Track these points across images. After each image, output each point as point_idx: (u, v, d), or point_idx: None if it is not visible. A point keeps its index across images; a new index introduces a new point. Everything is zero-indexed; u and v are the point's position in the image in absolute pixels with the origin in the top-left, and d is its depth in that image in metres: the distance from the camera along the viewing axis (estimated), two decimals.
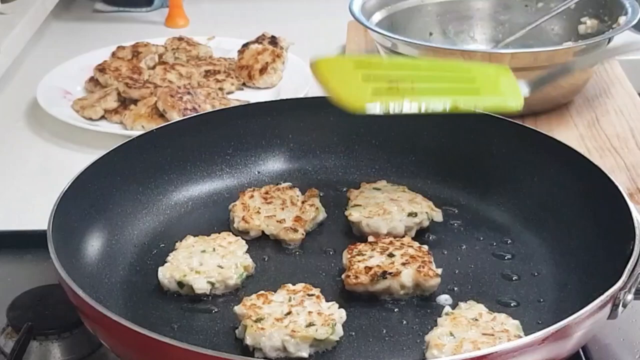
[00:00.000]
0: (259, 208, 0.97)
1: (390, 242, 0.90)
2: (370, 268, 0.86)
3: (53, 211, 0.85)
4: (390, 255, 0.88)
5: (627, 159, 1.17)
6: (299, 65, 1.47)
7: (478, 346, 0.75)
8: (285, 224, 0.95)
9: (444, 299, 0.86)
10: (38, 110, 1.35)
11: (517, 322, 0.80)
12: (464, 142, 1.03)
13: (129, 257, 0.92)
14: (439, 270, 0.87)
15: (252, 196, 0.99)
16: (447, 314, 0.81)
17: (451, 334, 0.77)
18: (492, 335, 0.77)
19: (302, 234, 0.95)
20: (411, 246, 0.89)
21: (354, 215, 0.95)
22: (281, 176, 1.05)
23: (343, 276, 0.87)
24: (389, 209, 0.95)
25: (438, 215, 0.96)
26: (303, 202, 0.98)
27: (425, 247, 0.90)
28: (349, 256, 0.89)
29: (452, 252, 0.93)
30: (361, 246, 0.90)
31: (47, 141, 1.31)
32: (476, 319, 0.80)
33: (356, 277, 0.85)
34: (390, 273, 0.85)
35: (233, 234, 0.94)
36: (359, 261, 0.87)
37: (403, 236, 0.92)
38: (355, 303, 0.85)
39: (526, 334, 0.74)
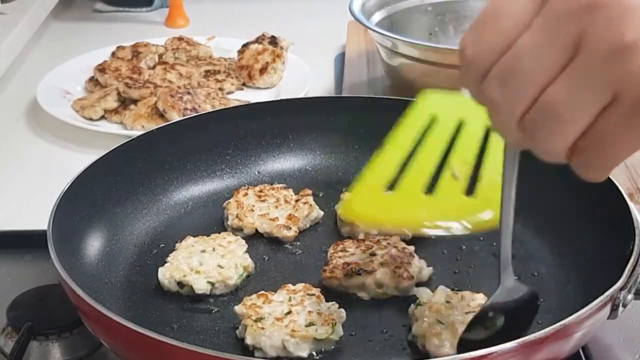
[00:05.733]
0: (253, 206, 0.97)
1: (377, 241, 0.91)
2: (348, 264, 0.87)
3: (53, 211, 0.85)
4: (372, 254, 0.88)
5: (627, 159, 1.16)
6: (299, 65, 1.47)
7: None
8: (278, 222, 0.95)
9: None
10: (38, 110, 1.35)
11: (481, 294, 0.82)
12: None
13: (129, 257, 0.92)
14: (430, 270, 0.88)
15: (246, 194, 0.99)
16: (420, 304, 0.81)
17: (439, 322, 0.78)
18: (473, 312, 0.78)
19: (296, 232, 0.95)
20: (396, 247, 0.90)
21: None
22: (281, 176, 1.05)
23: (320, 270, 0.87)
24: None
25: None
26: (297, 201, 0.98)
27: (412, 248, 0.90)
28: (332, 251, 0.90)
29: (452, 252, 0.93)
30: (347, 243, 0.91)
31: (47, 141, 1.31)
32: (448, 302, 0.81)
33: (332, 272, 0.86)
34: (365, 270, 0.86)
35: (226, 231, 0.95)
36: (339, 257, 0.88)
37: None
38: (355, 303, 0.85)
39: (526, 334, 0.74)
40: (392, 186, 0.76)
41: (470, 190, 0.75)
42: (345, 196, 0.74)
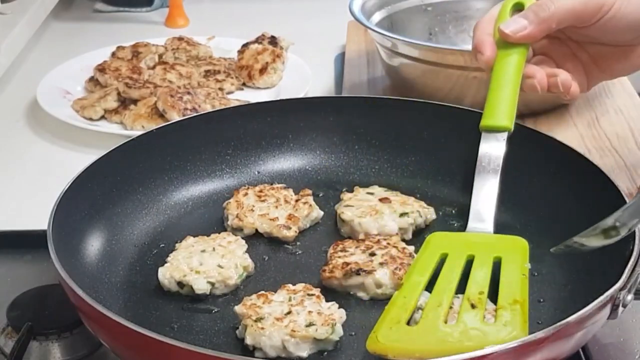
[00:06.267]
0: (253, 206, 0.97)
1: (377, 241, 0.91)
2: (348, 264, 0.86)
3: (53, 211, 0.85)
4: (372, 254, 0.88)
5: (627, 159, 1.17)
6: (299, 65, 1.47)
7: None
8: (278, 222, 0.95)
9: None
10: (38, 110, 1.35)
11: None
12: (463, 142, 1.03)
13: (129, 257, 0.92)
14: None
15: (246, 194, 0.99)
16: (420, 308, 0.81)
17: None
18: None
19: (296, 232, 0.95)
20: (396, 247, 0.90)
21: (346, 213, 0.95)
22: (281, 176, 1.05)
23: (320, 270, 0.87)
24: (381, 210, 0.95)
25: (431, 213, 0.97)
26: (297, 201, 0.99)
27: (412, 248, 0.90)
28: (332, 251, 0.90)
29: None
30: (347, 243, 0.91)
31: (47, 141, 1.31)
32: (450, 307, 0.80)
33: (331, 272, 0.86)
34: (364, 270, 0.86)
35: (226, 231, 0.95)
36: (339, 257, 0.88)
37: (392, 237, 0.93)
38: (355, 303, 0.85)
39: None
40: (411, 319, 0.79)
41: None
42: (372, 332, 0.77)
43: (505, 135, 0.90)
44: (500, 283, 0.81)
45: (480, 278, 0.82)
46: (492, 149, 0.90)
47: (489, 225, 0.89)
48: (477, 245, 0.87)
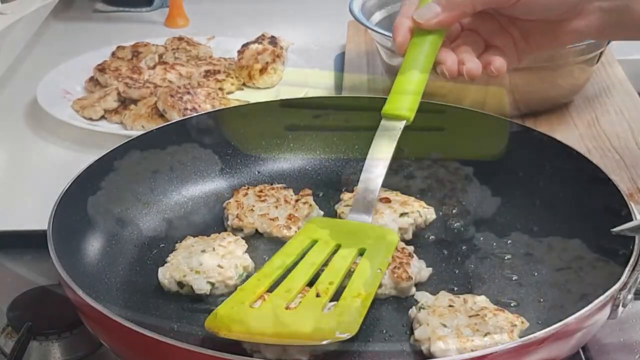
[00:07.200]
0: (253, 206, 0.97)
1: None
2: None
3: (53, 211, 0.85)
4: None
5: (627, 159, 1.17)
6: (299, 65, 1.47)
7: (477, 329, 0.77)
8: (278, 222, 0.95)
9: None
10: (38, 110, 1.35)
11: (483, 297, 0.82)
12: (463, 142, 1.03)
13: (129, 257, 0.92)
14: (430, 270, 0.88)
15: (246, 194, 0.99)
16: (422, 308, 0.81)
17: (444, 325, 0.78)
18: (477, 315, 0.79)
19: (295, 232, 0.95)
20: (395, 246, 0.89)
21: (346, 213, 0.95)
22: (281, 176, 1.05)
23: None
24: (381, 209, 0.95)
25: (431, 213, 0.96)
26: (297, 201, 0.99)
27: (411, 248, 0.90)
28: None
29: (452, 252, 0.93)
30: None
31: (47, 141, 1.31)
32: (451, 305, 0.81)
33: None
34: None
35: (226, 231, 0.95)
36: None
37: None
38: None
39: (526, 334, 0.74)
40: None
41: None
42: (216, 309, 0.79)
43: (403, 123, 0.90)
44: (353, 276, 0.82)
45: (335, 268, 0.83)
46: (387, 137, 0.90)
47: (368, 217, 0.89)
48: (348, 234, 0.87)
